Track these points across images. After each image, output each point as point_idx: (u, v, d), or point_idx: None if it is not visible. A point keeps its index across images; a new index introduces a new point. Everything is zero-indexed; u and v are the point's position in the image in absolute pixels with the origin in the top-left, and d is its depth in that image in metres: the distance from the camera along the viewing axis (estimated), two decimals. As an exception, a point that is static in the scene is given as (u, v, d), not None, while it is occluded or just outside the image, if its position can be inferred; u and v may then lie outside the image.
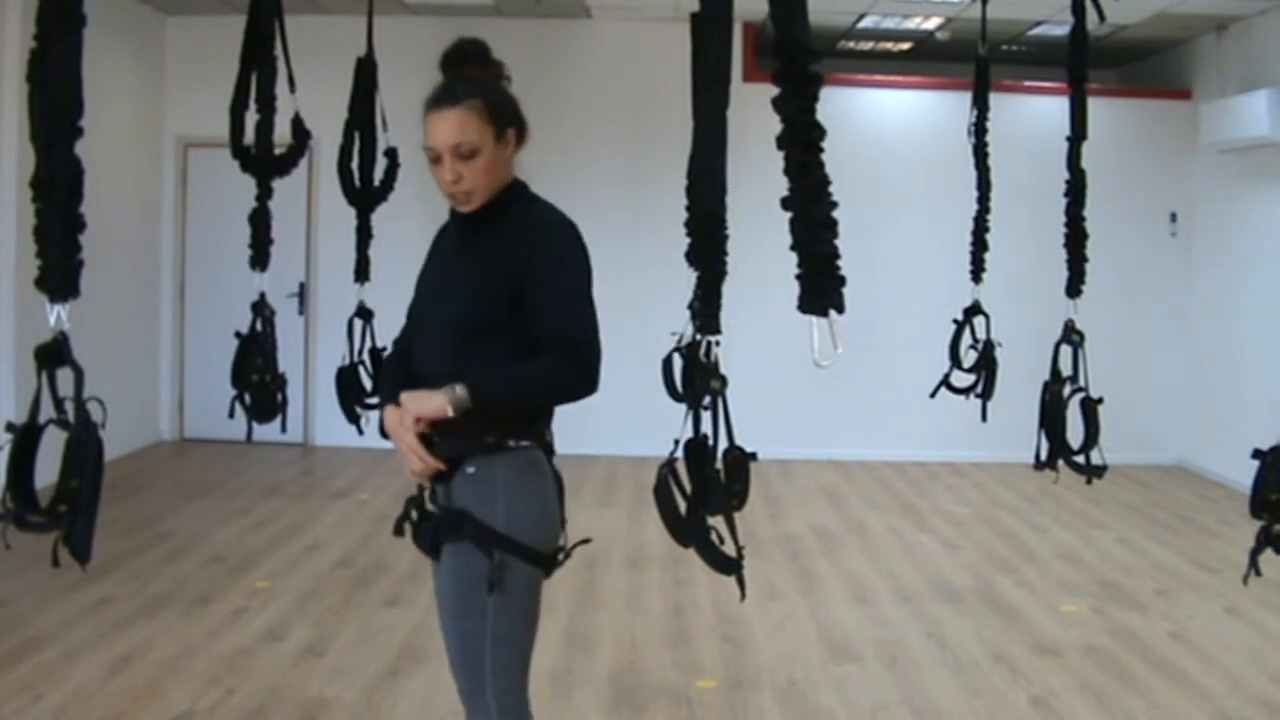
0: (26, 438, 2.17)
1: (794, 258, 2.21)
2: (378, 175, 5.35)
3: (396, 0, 7.52)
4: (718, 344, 2.40)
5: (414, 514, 2.47)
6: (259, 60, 4.49)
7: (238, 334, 4.62)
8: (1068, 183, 4.25)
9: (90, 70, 2.20)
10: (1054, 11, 7.32)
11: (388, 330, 2.54)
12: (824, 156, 2.20)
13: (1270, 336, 7.25)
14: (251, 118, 4.56)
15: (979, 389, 5.03)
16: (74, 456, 2.15)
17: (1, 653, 4.12)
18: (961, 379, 5.10)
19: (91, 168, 2.20)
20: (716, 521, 2.38)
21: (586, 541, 2.60)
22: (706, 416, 2.36)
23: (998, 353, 5.01)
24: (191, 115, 8.18)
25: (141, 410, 8.26)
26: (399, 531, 2.51)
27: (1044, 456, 4.26)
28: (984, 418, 5.01)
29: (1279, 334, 7.15)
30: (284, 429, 4.82)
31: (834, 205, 2.20)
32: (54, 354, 2.16)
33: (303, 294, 8.49)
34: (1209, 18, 7.66)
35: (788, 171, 2.21)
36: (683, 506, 2.41)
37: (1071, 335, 4.19)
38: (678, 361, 2.97)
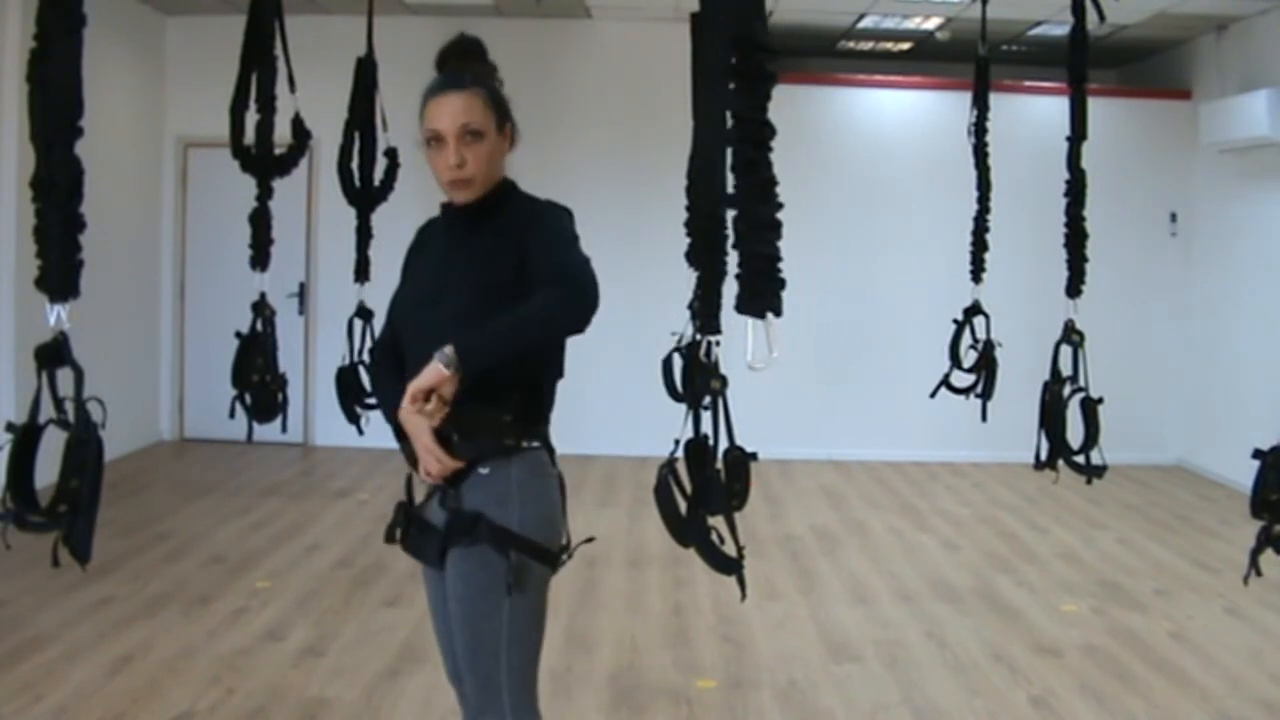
0: (26, 438, 2.17)
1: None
2: (378, 175, 5.35)
3: (396, 0, 7.52)
4: (718, 344, 2.39)
5: (405, 520, 2.46)
6: (259, 60, 4.49)
7: (238, 334, 4.62)
8: (1068, 183, 4.25)
9: (90, 70, 2.20)
10: (1054, 11, 7.32)
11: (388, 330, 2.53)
12: (772, 156, 2.19)
13: (1270, 336, 7.25)
14: (251, 118, 4.56)
15: (979, 389, 5.03)
16: (74, 456, 2.15)
17: (1, 653, 4.12)
18: (961, 379, 5.10)
19: (91, 168, 2.20)
20: (717, 521, 2.38)
21: (590, 540, 2.61)
22: (706, 416, 2.36)
23: (998, 353, 5.01)
24: (191, 115, 8.18)
25: (141, 410, 8.26)
26: (390, 539, 2.50)
27: (1044, 456, 4.26)
28: (984, 418, 5.00)
29: (1279, 334, 7.15)
30: (284, 429, 4.82)
31: (779, 206, 2.19)
32: (54, 354, 2.16)
33: (303, 294, 8.49)
34: (1209, 18, 7.66)
35: (735, 169, 2.21)
36: (683, 506, 2.41)
37: (1071, 335, 4.19)
38: (678, 361, 2.97)
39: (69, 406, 2.15)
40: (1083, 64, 4.18)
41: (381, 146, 5.35)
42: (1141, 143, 8.47)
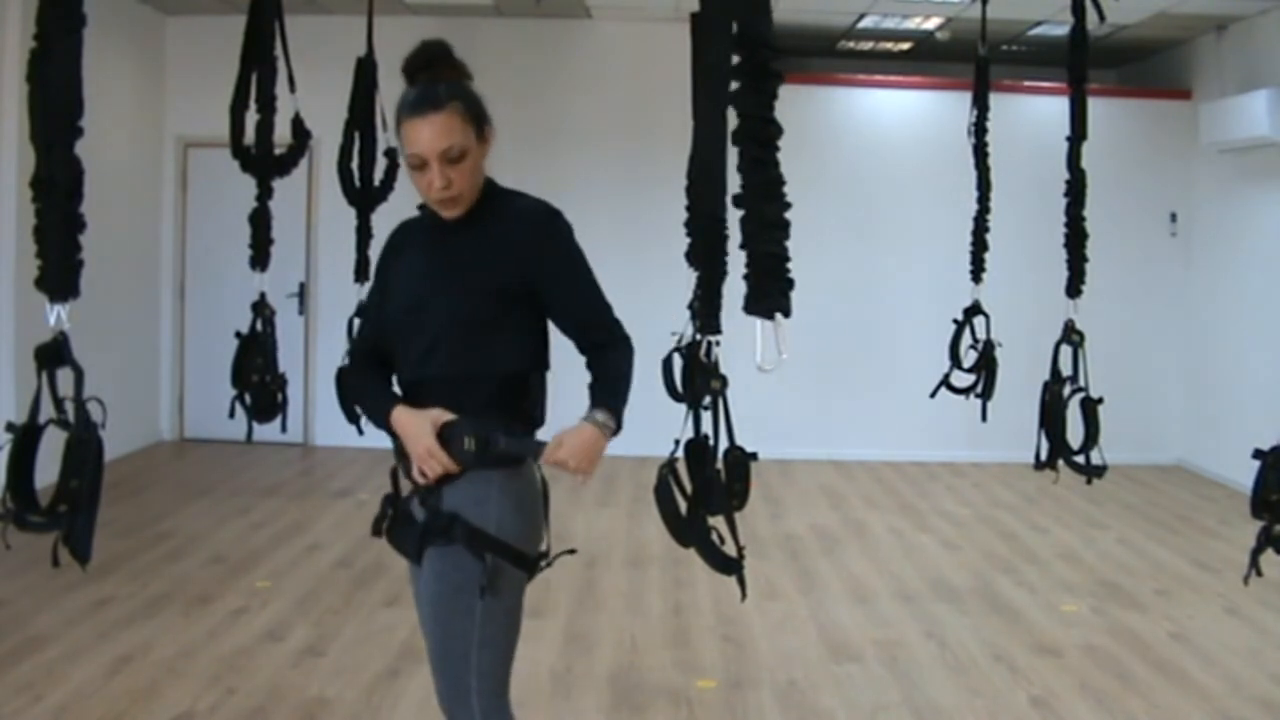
0: (26, 438, 2.17)
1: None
2: (378, 175, 5.36)
3: (397, 0, 7.52)
4: (718, 344, 2.40)
5: (390, 513, 2.46)
6: (259, 60, 4.49)
7: (238, 334, 4.63)
8: (1068, 183, 4.26)
9: (90, 70, 2.20)
10: (1054, 11, 7.32)
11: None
12: (779, 155, 2.17)
13: (1270, 336, 7.25)
14: (251, 118, 4.56)
15: (979, 389, 5.03)
16: (74, 456, 2.15)
17: (1, 653, 4.12)
18: (961, 379, 5.10)
19: (91, 168, 2.20)
20: (717, 521, 2.38)
21: (572, 552, 2.58)
22: (707, 416, 2.36)
23: (998, 353, 5.01)
24: (191, 115, 8.18)
25: (141, 410, 8.26)
26: (377, 532, 2.50)
27: (1044, 456, 4.26)
28: (984, 418, 5.01)
29: (1279, 334, 7.15)
30: (284, 429, 4.82)
31: (787, 205, 2.18)
32: (54, 354, 2.16)
33: (303, 294, 8.49)
34: (1209, 18, 7.66)
35: (741, 168, 2.20)
36: (683, 506, 2.41)
37: (1071, 335, 4.19)
38: (678, 361, 2.97)
39: (69, 406, 2.15)
40: (1083, 64, 4.19)
41: (381, 146, 5.35)
42: (1141, 143, 8.47)
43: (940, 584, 5.42)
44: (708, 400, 2.35)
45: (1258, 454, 2.74)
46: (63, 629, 4.39)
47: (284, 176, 4.76)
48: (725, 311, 2.46)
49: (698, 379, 2.39)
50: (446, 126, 2.29)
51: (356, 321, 5.32)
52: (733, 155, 2.37)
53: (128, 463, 7.58)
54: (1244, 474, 2.85)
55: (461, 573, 2.30)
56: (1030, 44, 8.53)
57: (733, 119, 2.34)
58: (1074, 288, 4.22)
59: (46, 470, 2.17)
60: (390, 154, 5.40)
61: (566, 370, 2.64)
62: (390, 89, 5.81)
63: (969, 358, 5.08)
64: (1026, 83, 8.40)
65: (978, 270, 5.11)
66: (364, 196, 5.32)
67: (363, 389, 2.55)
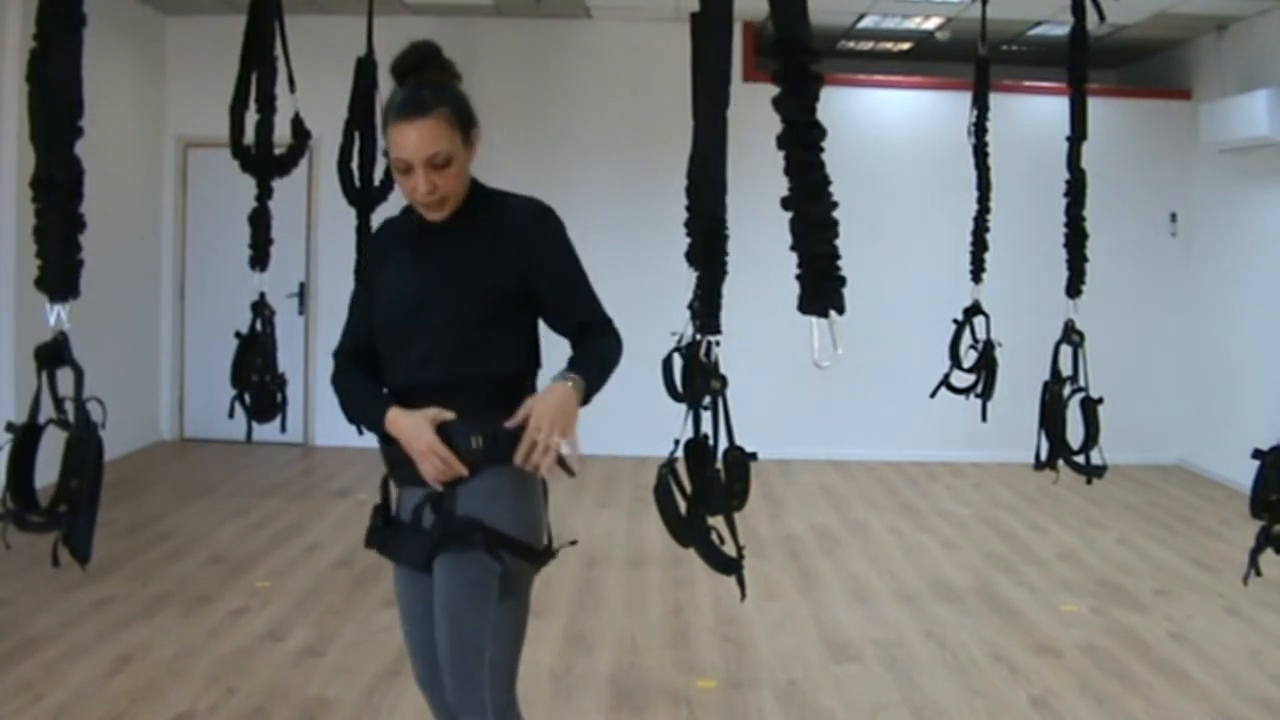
0: (26, 438, 2.17)
1: (794, 257, 2.21)
2: (378, 175, 5.35)
3: (397, 0, 7.53)
4: (718, 344, 2.40)
5: (381, 524, 2.45)
6: (259, 60, 4.49)
7: (238, 334, 4.62)
8: (1068, 183, 4.26)
9: (90, 70, 2.20)
10: (1054, 11, 7.32)
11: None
12: (824, 156, 2.19)
13: (1270, 336, 7.25)
14: (251, 118, 4.56)
15: (979, 389, 5.03)
16: (74, 456, 2.15)
17: (1, 653, 4.12)
18: (961, 379, 5.10)
19: (91, 168, 2.20)
20: (716, 521, 2.38)
21: (574, 543, 2.62)
22: (706, 416, 2.36)
23: (998, 353, 5.01)
24: (191, 115, 8.18)
25: (141, 410, 8.26)
26: (371, 544, 2.48)
27: (1044, 456, 4.26)
28: (984, 418, 5.01)
29: (1279, 334, 7.15)
30: (284, 429, 4.82)
31: (834, 205, 2.19)
32: (54, 354, 2.16)
33: (303, 294, 8.49)
34: (1209, 18, 7.66)
35: (788, 171, 2.21)
36: (683, 506, 2.41)
37: (1071, 335, 4.19)
38: (678, 361, 2.97)
39: (69, 406, 2.15)
40: (1083, 64, 4.19)
41: (381, 146, 5.33)
42: (1141, 143, 8.47)
43: (940, 584, 5.42)
44: (707, 400, 2.35)
45: (1257, 454, 2.74)
46: (63, 629, 4.39)
47: (284, 176, 4.75)
48: (725, 311, 2.46)
49: (697, 379, 2.39)
50: (432, 132, 2.28)
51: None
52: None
53: (128, 463, 7.58)
54: (1244, 474, 2.85)
55: (481, 572, 2.31)
56: (1030, 44, 8.53)
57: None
58: (1074, 288, 4.22)
59: (46, 470, 2.16)
60: (386, 134, 5.40)
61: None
62: (390, 89, 5.79)
63: (969, 358, 5.08)
64: (1026, 83, 8.40)
65: (978, 270, 5.11)
66: (364, 196, 5.32)
67: (354, 393, 2.50)
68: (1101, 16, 4.17)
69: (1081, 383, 4.17)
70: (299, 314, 8.47)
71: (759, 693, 4.04)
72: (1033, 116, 8.03)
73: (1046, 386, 4.25)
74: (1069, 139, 4.21)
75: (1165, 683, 4.16)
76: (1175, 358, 8.56)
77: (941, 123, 7.90)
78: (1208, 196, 8.27)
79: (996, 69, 5.32)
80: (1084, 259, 4.23)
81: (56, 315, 2.16)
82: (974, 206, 5.13)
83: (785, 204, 2.22)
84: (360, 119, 5.30)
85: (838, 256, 2.20)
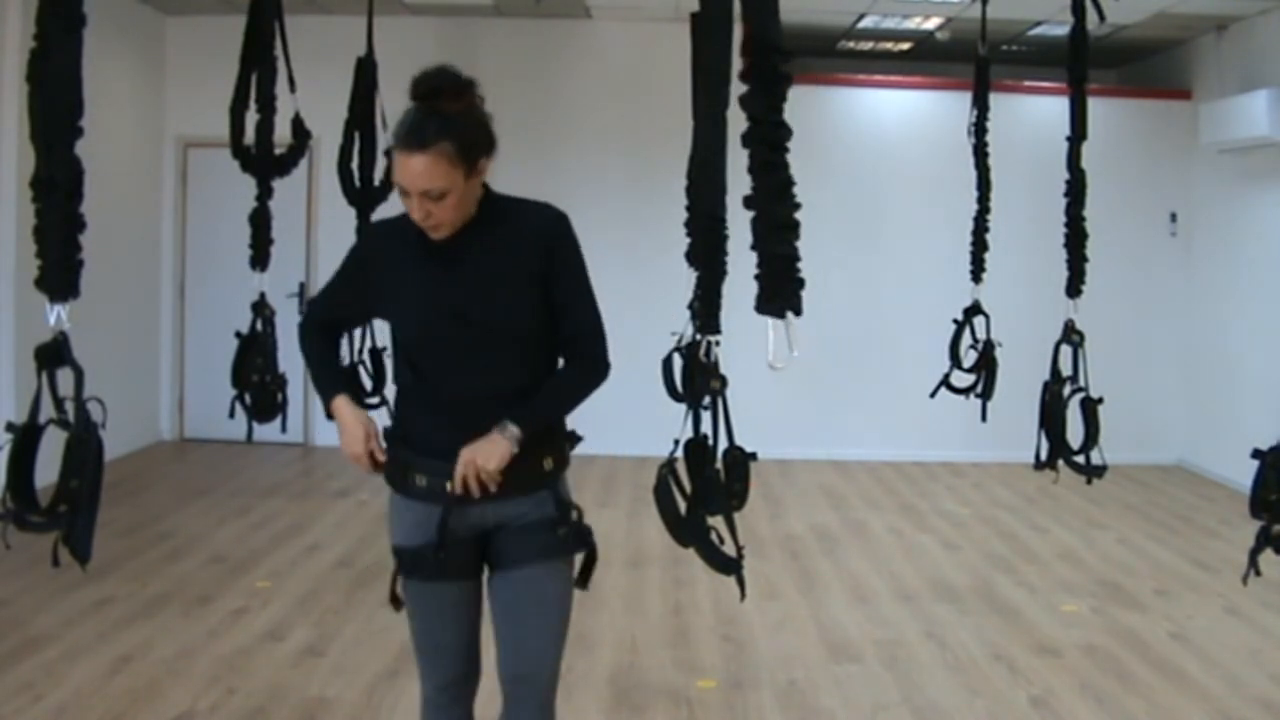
0: (26, 438, 2.18)
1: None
2: (378, 175, 5.36)
3: (397, 0, 7.53)
4: (718, 344, 2.40)
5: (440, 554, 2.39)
6: (259, 60, 4.50)
7: (238, 334, 4.63)
8: (1068, 183, 4.26)
9: (90, 70, 2.21)
10: (1054, 11, 7.32)
11: (386, 330, 2.51)
12: (789, 157, 2.19)
13: (1270, 336, 7.25)
14: (251, 118, 4.57)
15: (979, 389, 5.03)
16: (74, 456, 2.16)
17: (1, 653, 4.12)
18: (961, 379, 5.11)
19: (91, 168, 2.20)
20: (716, 521, 2.38)
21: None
22: (706, 416, 2.37)
23: (998, 353, 5.02)
24: (191, 115, 8.18)
25: (141, 410, 8.26)
26: (429, 574, 2.41)
27: (1044, 456, 4.27)
28: (984, 418, 5.01)
29: (1279, 334, 7.15)
30: (284, 429, 4.83)
31: (797, 206, 2.19)
32: (54, 354, 2.17)
33: (303, 294, 8.48)
34: (1209, 18, 7.66)
35: (752, 170, 2.21)
36: (683, 506, 2.42)
37: (1071, 335, 4.19)
38: (678, 361, 2.97)
39: (69, 406, 2.15)
40: (1083, 64, 4.19)
41: (381, 146, 5.35)
42: (1141, 143, 8.47)
43: (940, 584, 5.42)
44: (707, 400, 2.35)
45: (1257, 454, 2.74)
46: (63, 629, 4.39)
47: (284, 176, 4.76)
48: (725, 311, 2.46)
49: (697, 379, 2.39)
50: (429, 168, 2.24)
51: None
52: (741, 157, 2.37)
53: (128, 463, 7.58)
54: (1244, 474, 2.85)
55: (568, 574, 2.42)
56: (1030, 44, 8.53)
57: (742, 121, 2.34)
58: (1074, 288, 4.23)
59: (46, 470, 2.17)
60: (390, 154, 5.40)
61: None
62: (390, 89, 5.81)
63: (969, 358, 5.08)
64: (1026, 83, 8.40)
65: (978, 270, 5.11)
66: (364, 196, 5.33)
67: (320, 359, 2.54)
68: (1101, 16, 4.17)
69: (1081, 383, 4.17)
70: (299, 314, 8.46)
71: (759, 693, 4.04)
72: (1033, 116, 8.03)
73: (1046, 386, 4.26)
74: (1069, 139, 4.22)
75: (1165, 683, 4.16)
76: (1175, 358, 8.55)
77: (941, 123, 7.89)
78: (1208, 196, 8.27)
79: (996, 69, 5.33)
80: (1084, 259, 4.23)
81: (56, 315, 2.17)
82: (974, 206, 5.13)
83: (748, 203, 2.23)
84: (360, 119, 5.31)
85: (797, 258, 2.20)
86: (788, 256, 2.18)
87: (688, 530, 2.40)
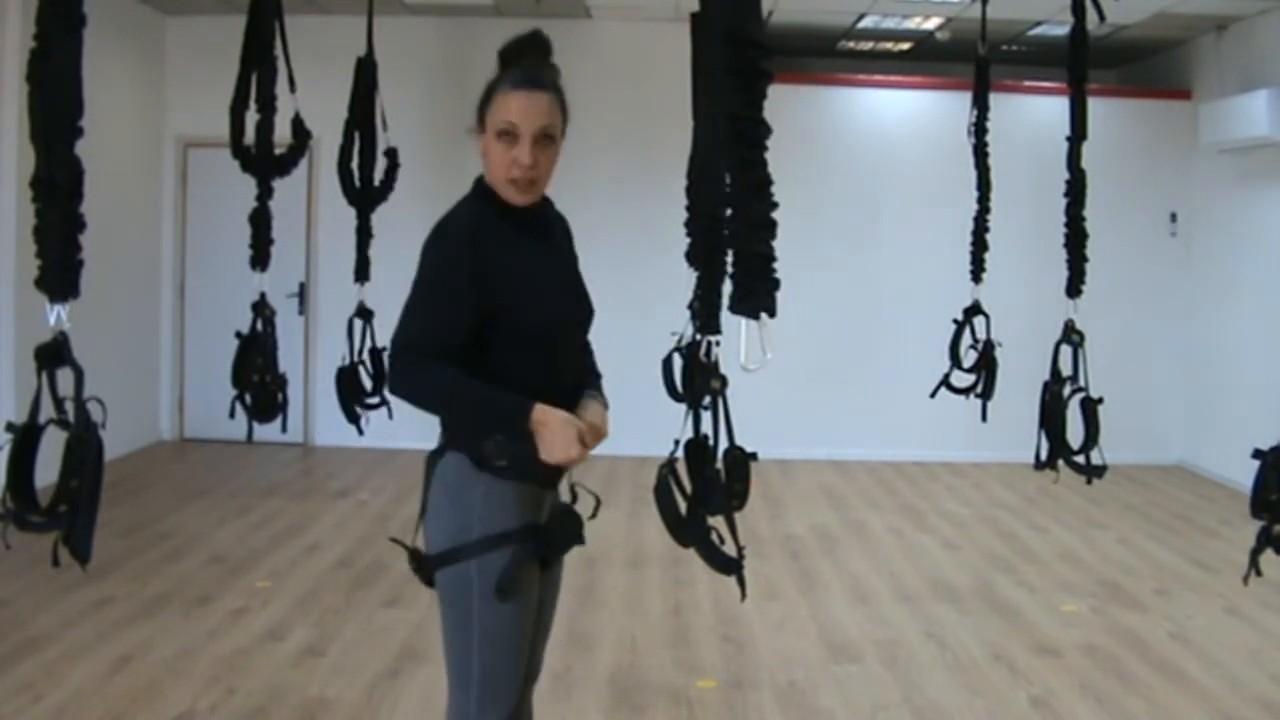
0: (26, 438, 2.17)
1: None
2: (378, 175, 5.36)
3: (397, 0, 7.52)
4: (718, 344, 2.40)
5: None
6: (259, 60, 4.49)
7: (238, 334, 4.63)
8: (1068, 183, 4.26)
9: (90, 70, 2.21)
10: (1054, 11, 7.32)
11: (387, 330, 2.49)
12: (769, 155, 2.18)
13: (1270, 336, 7.25)
14: (251, 118, 4.57)
15: (979, 389, 5.03)
16: (74, 456, 2.15)
17: (1, 653, 4.12)
18: (961, 379, 5.10)
19: (91, 168, 2.20)
20: (716, 521, 2.38)
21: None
22: (706, 416, 2.37)
23: (998, 353, 5.02)
24: (191, 115, 8.18)
25: (141, 410, 8.26)
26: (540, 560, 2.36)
27: (1044, 456, 4.26)
28: (984, 418, 5.01)
29: (1279, 334, 7.15)
30: (284, 429, 4.83)
31: (775, 205, 2.18)
32: (54, 354, 2.17)
33: (303, 294, 8.49)
34: (1209, 18, 7.66)
35: (730, 168, 2.20)
36: (683, 506, 2.42)
37: (1071, 335, 4.19)
38: (678, 361, 2.98)
39: (69, 406, 2.15)
40: (1083, 64, 4.19)
41: (381, 146, 5.35)
42: (1141, 143, 8.47)
43: (940, 584, 5.42)
44: (707, 400, 2.35)
45: (1257, 454, 2.74)
46: (63, 629, 4.39)
47: (284, 176, 4.76)
48: (725, 311, 2.46)
49: (698, 379, 2.39)
50: (549, 107, 2.31)
51: (357, 322, 5.34)
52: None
53: (128, 463, 7.58)
54: (1244, 474, 2.85)
55: (562, 563, 2.57)
56: (1030, 44, 8.53)
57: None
58: (1074, 288, 4.22)
59: (46, 470, 2.17)
60: (390, 154, 5.40)
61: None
62: (390, 89, 5.84)
63: (969, 358, 5.08)
64: (1026, 83, 8.40)
65: (978, 270, 5.11)
66: (364, 196, 5.33)
67: (468, 384, 2.21)
68: (1101, 16, 4.17)
69: (1081, 383, 4.17)
70: (299, 314, 8.47)
71: (759, 693, 4.04)
72: (1033, 116, 8.03)
73: (1046, 386, 4.25)
74: (1069, 139, 4.21)
75: (1165, 683, 4.16)
76: (1175, 357, 8.55)
77: (941, 123, 7.89)
78: (1208, 196, 8.27)
79: (996, 69, 5.32)
80: (1084, 259, 4.23)
81: (56, 315, 2.17)
82: (974, 206, 5.13)
83: (725, 201, 2.22)
84: (360, 119, 5.31)
85: (773, 258, 2.18)
86: (764, 255, 2.17)
87: (688, 530, 2.40)
